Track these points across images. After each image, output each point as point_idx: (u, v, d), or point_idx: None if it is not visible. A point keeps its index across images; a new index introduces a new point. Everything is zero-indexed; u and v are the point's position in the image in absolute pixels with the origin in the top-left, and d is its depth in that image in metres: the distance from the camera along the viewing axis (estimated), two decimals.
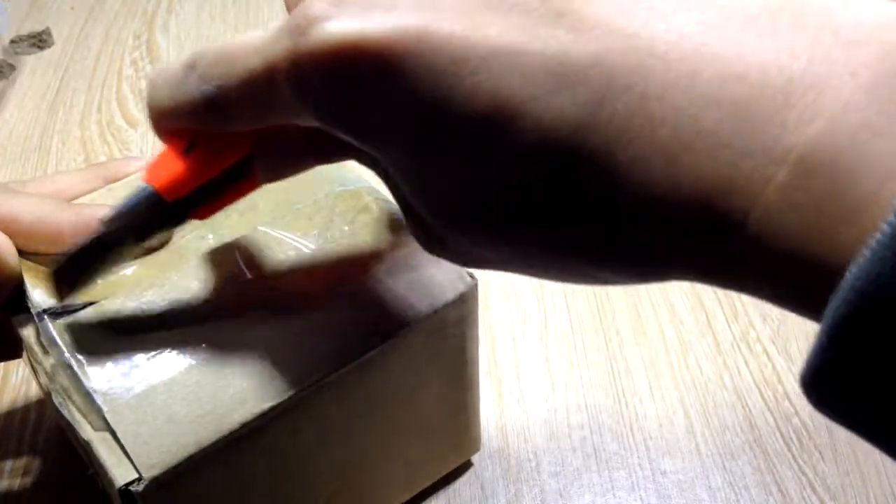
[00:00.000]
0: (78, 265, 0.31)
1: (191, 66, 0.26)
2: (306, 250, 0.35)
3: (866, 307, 0.15)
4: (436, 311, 0.34)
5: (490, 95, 0.20)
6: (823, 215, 0.17)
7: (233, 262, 0.35)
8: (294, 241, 0.36)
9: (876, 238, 0.15)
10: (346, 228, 0.36)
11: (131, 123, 0.63)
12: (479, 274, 0.52)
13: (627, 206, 0.20)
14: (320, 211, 0.37)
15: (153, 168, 0.29)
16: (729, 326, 0.50)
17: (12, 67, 0.68)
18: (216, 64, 0.25)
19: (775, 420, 0.46)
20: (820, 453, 0.44)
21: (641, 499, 0.43)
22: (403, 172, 0.23)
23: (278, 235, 0.36)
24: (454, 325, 0.35)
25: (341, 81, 0.22)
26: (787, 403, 0.46)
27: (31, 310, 0.33)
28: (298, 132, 0.28)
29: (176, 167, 0.28)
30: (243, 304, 0.33)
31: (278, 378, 0.31)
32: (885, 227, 0.15)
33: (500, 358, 0.49)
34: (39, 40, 0.70)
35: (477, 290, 0.35)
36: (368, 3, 0.21)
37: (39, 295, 0.33)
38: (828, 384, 0.17)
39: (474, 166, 0.21)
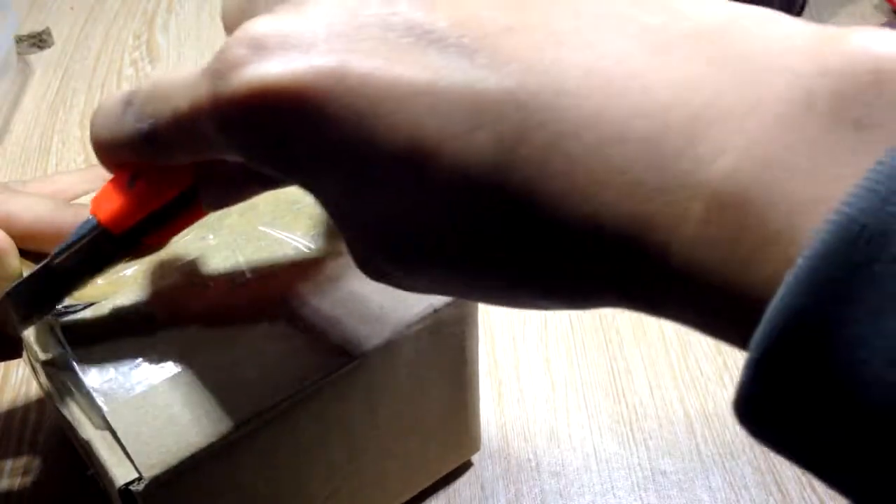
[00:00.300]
0: (30, 293, 0.32)
1: (128, 103, 0.26)
2: (306, 250, 0.35)
3: (785, 340, 0.16)
4: (436, 311, 0.34)
5: (408, 134, 0.20)
6: (739, 249, 0.17)
7: (235, 261, 0.35)
8: (294, 241, 0.36)
9: (790, 273, 0.15)
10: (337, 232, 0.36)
11: None
12: None
13: (550, 242, 0.20)
14: (301, 218, 0.37)
15: (98, 200, 0.29)
16: None
17: (26, 64, 0.68)
18: (149, 101, 0.25)
19: None
20: None
21: (641, 499, 0.43)
22: (332, 208, 0.23)
23: (278, 235, 0.36)
24: (454, 325, 0.35)
25: (261, 124, 0.22)
26: None
27: None
28: (237, 163, 0.27)
29: (119, 200, 0.29)
30: (244, 304, 0.33)
31: (278, 377, 0.31)
32: (799, 261, 0.15)
33: (500, 358, 0.49)
34: (39, 40, 0.70)
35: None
36: (286, 44, 0.21)
37: None
38: (755, 412, 0.17)
39: (398, 204, 0.21)
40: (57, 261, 0.30)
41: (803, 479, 0.43)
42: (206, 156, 0.25)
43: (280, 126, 0.21)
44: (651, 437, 0.45)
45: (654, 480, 0.43)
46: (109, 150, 0.28)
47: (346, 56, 0.21)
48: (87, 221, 0.29)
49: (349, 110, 0.20)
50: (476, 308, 0.36)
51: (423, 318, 0.33)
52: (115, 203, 0.29)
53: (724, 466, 0.44)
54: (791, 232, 0.16)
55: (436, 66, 0.20)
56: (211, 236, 0.36)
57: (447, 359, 0.37)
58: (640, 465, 0.44)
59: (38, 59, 0.69)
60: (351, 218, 0.23)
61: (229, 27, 0.25)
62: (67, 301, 0.33)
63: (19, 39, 0.69)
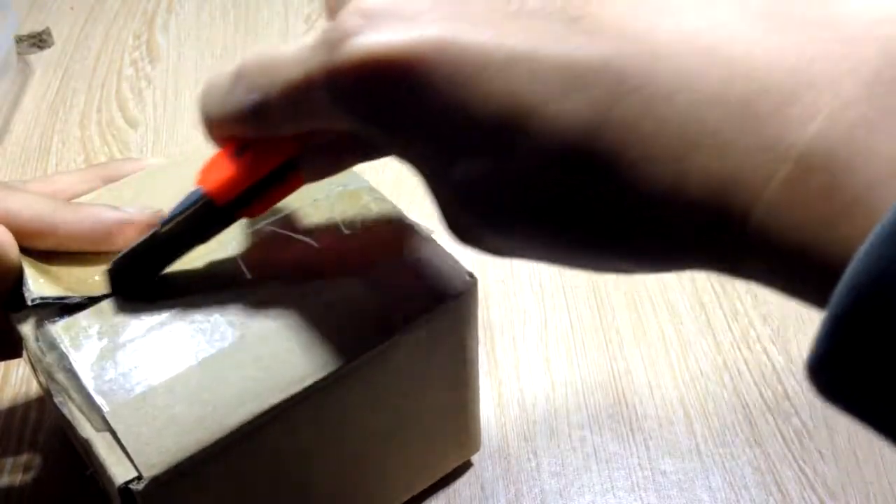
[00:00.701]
0: (132, 265, 0.33)
1: (237, 76, 0.28)
2: (307, 250, 0.35)
3: (863, 300, 0.16)
4: (435, 311, 0.34)
5: (508, 100, 0.21)
6: (824, 210, 0.18)
7: (234, 261, 0.35)
8: (295, 239, 0.36)
9: (872, 234, 0.16)
10: (346, 229, 0.36)
11: (131, 123, 0.63)
12: (479, 274, 0.52)
13: (639, 204, 0.21)
14: (320, 211, 0.37)
15: (206, 172, 0.31)
16: (729, 326, 0.50)
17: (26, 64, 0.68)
18: (260, 74, 0.27)
19: (775, 420, 0.46)
20: (820, 453, 0.44)
21: (641, 499, 0.43)
22: (432, 172, 0.25)
23: (279, 234, 0.36)
24: (454, 324, 0.35)
25: (371, 91, 0.23)
26: (787, 403, 0.46)
27: (27, 298, 0.33)
28: (340, 133, 0.29)
29: (227, 171, 0.30)
30: (243, 305, 0.33)
31: (278, 378, 0.31)
32: (877, 227, 0.16)
33: (500, 358, 0.49)
34: (39, 40, 0.70)
35: (477, 290, 0.35)
36: (395, 14, 0.23)
37: (37, 285, 0.33)
38: (829, 373, 0.17)
39: (492, 168, 0.22)
40: (163, 230, 0.32)
41: (803, 479, 0.43)
42: (313, 125, 0.27)
43: (388, 93, 0.23)
44: (651, 437, 0.45)
45: (654, 480, 0.43)
46: (218, 124, 0.29)
47: (450, 25, 0.22)
48: (194, 192, 0.31)
49: (453, 77, 0.22)
50: (476, 308, 0.36)
51: (424, 319, 0.33)
52: (220, 174, 0.30)
53: (724, 466, 0.44)
54: (877, 194, 0.17)
55: (537, 34, 0.21)
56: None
57: (447, 359, 0.37)
58: (640, 465, 0.44)
59: (38, 59, 0.69)
60: (446, 182, 0.24)
61: (332, 7, 0.26)
62: (62, 293, 0.33)
63: (19, 39, 0.69)
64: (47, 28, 0.70)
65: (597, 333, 0.50)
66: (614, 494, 0.43)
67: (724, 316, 0.50)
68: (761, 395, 0.47)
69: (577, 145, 0.21)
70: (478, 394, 0.40)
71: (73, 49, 0.70)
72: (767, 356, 0.49)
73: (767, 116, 0.19)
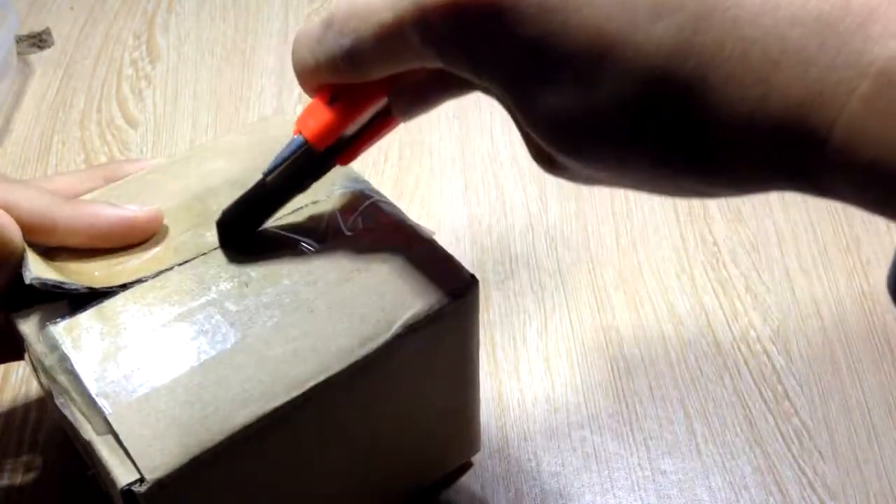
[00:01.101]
0: (239, 217, 0.35)
1: (327, 24, 0.29)
2: (309, 250, 0.35)
3: None
4: (437, 312, 0.34)
5: (595, 28, 0.22)
6: None
7: (236, 261, 0.35)
8: (298, 240, 0.36)
9: None
10: (347, 230, 0.36)
11: (131, 123, 0.63)
12: (479, 274, 0.52)
13: (723, 124, 0.21)
14: (321, 212, 0.37)
15: (302, 120, 0.32)
16: (729, 326, 0.50)
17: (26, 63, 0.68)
18: (351, 18, 0.28)
19: (775, 420, 0.46)
20: (820, 453, 0.44)
21: (641, 499, 0.43)
22: (518, 103, 0.26)
23: (281, 235, 0.36)
24: (454, 324, 0.35)
25: (460, 25, 0.25)
26: (787, 403, 0.47)
27: (26, 278, 0.33)
28: (427, 73, 0.31)
29: (323, 117, 0.32)
30: (245, 306, 0.33)
31: (280, 380, 0.31)
32: None
33: (499, 358, 0.49)
34: (39, 40, 0.70)
35: (477, 289, 0.35)
36: None
37: (37, 268, 0.33)
38: None
39: (582, 94, 0.23)
40: (268, 179, 0.34)
41: (803, 479, 0.43)
42: (404, 66, 0.28)
43: (477, 28, 0.24)
44: (651, 437, 0.45)
45: (654, 480, 0.43)
46: (312, 72, 0.31)
47: None
48: (294, 140, 0.33)
49: (541, 10, 0.23)
50: (476, 308, 0.36)
51: (424, 319, 0.34)
52: (318, 121, 0.32)
53: (724, 466, 0.44)
54: None
55: None
56: (209, 234, 0.36)
57: (447, 359, 0.37)
58: (640, 465, 0.44)
59: (38, 59, 0.69)
60: (535, 113, 0.25)
61: None
62: (62, 279, 0.33)
63: (19, 39, 0.69)
64: (47, 28, 0.70)
65: (597, 333, 0.50)
66: (614, 494, 0.43)
67: (724, 316, 0.51)
68: (761, 395, 0.47)
69: (663, 70, 0.22)
70: (478, 395, 0.40)
71: (73, 49, 0.70)
72: (767, 356, 0.49)
73: (849, 34, 0.19)
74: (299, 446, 0.33)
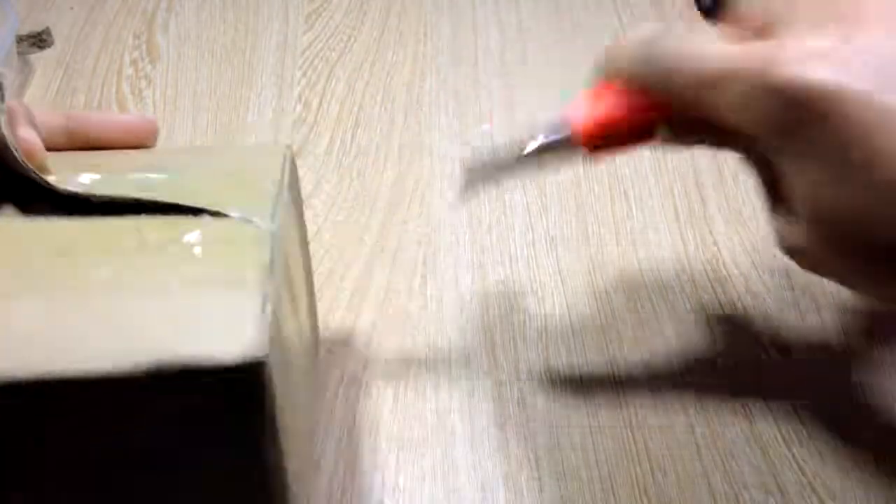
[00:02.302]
0: (485, 174, 0.40)
1: (650, 46, 0.33)
2: (259, 227, 0.33)
3: None
4: (180, 369, 0.27)
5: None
6: None
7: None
8: (238, 216, 0.33)
9: None
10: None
11: None
12: (479, 274, 0.52)
13: None
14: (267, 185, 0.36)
15: (576, 108, 0.35)
16: (729, 326, 0.50)
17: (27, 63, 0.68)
18: (673, 54, 0.32)
19: (775, 420, 0.46)
20: (820, 453, 0.44)
21: (641, 499, 0.43)
22: (806, 192, 0.28)
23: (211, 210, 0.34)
24: (225, 409, 0.28)
25: (789, 112, 0.28)
26: (786, 403, 0.46)
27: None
28: (705, 118, 0.32)
29: (600, 113, 0.35)
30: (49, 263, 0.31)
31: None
32: None
33: (499, 358, 0.49)
34: (39, 40, 0.70)
35: (266, 370, 0.27)
36: (831, 59, 0.27)
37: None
38: None
39: (871, 204, 0.26)
40: (527, 153, 0.37)
41: (803, 479, 0.43)
42: (701, 111, 0.31)
43: (804, 119, 0.27)
44: (651, 438, 0.45)
45: (654, 480, 0.43)
46: (615, 74, 0.35)
47: (869, 82, 0.27)
48: (563, 123, 0.36)
49: (861, 123, 0.26)
50: (269, 399, 0.28)
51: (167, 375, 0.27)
52: (591, 121, 0.35)
53: (724, 466, 0.44)
54: None
55: None
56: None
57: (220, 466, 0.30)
58: (640, 465, 0.44)
59: (38, 58, 0.69)
60: (818, 208, 0.28)
61: (752, 21, 0.31)
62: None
63: (19, 39, 0.69)
64: (47, 28, 0.70)
65: (597, 334, 0.50)
66: (614, 494, 0.43)
67: (725, 316, 0.50)
68: (761, 394, 0.47)
69: None
70: None
71: (73, 49, 0.70)
72: (767, 356, 0.49)
73: None
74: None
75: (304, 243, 0.42)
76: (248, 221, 0.33)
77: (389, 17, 0.71)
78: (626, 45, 0.34)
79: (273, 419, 0.28)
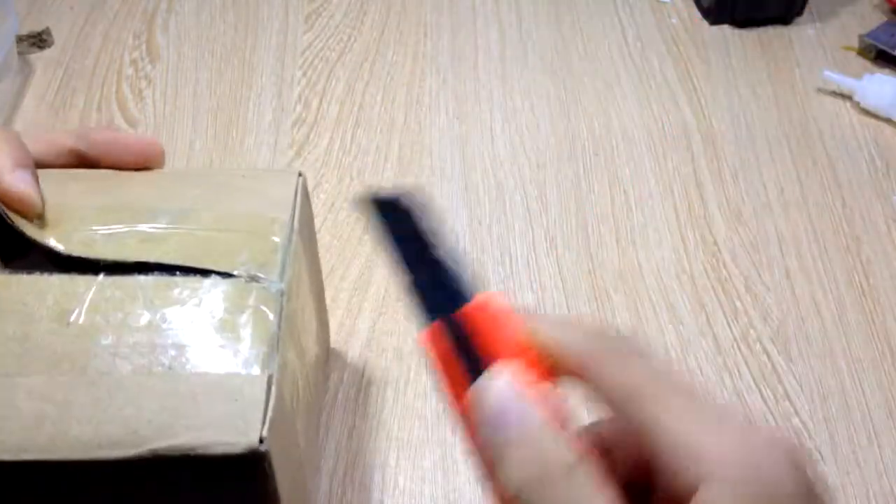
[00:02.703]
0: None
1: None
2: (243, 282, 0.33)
3: None
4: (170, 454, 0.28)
5: None
6: None
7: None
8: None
9: None
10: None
11: (131, 123, 0.63)
12: (479, 269, 0.52)
13: None
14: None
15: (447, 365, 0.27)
16: (729, 326, 0.50)
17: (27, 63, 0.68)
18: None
19: (775, 420, 0.46)
20: (820, 453, 0.44)
21: None
22: None
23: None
24: (226, 492, 0.30)
25: None
26: (786, 403, 0.46)
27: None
28: None
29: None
30: (60, 336, 0.31)
31: None
32: None
33: None
34: (39, 40, 0.70)
35: (267, 458, 0.28)
36: None
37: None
38: None
39: None
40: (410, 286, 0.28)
41: None
42: None
43: None
44: None
45: None
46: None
47: None
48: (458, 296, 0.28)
49: None
50: (270, 487, 0.30)
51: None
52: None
53: None
54: None
55: None
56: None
57: None
58: None
59: (38, 58, 0.69)
60: None
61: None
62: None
63: (19, 39, 0.69)
64: (47, 28, 0.70)
65: None
66: None
67: (724, 316, 0.50)
68: (761, 395, 0.47)
69: None
70: None
71: (73, 49, 0.70)
72: (767, 356, 0.49)
73: None
74: None
75: (315, 267, 0.41)
76: (256, 280, 0.33)
77: (389, 17, 0.71)
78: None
79: (274, 497, 0.30)
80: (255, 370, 0.30)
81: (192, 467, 0.28)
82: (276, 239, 0.34)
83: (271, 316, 0.32)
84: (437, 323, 0.27)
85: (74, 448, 0.28)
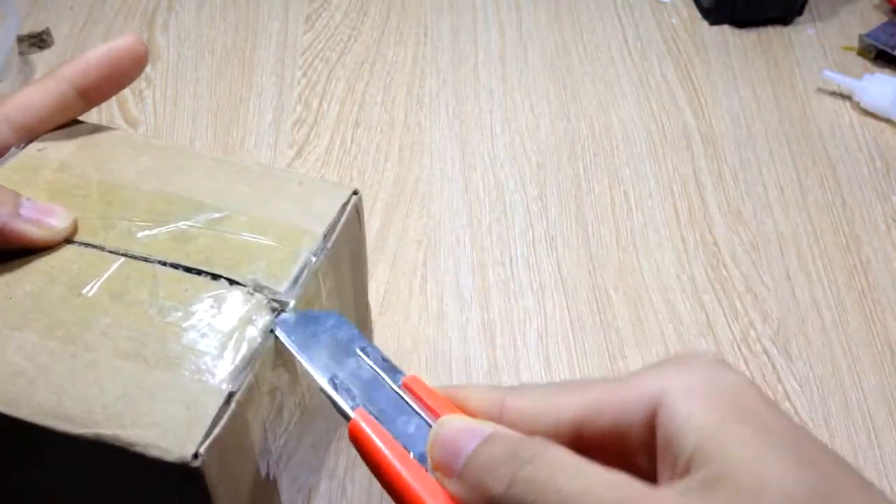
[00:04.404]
0: None
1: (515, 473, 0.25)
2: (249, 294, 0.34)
3: None
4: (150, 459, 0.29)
5: None
6: None
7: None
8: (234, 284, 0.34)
9: None
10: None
11: (131, 123, 0.63)
12: (480, 274, 0.52)
13: None
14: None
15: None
16: (729, 326, 0.50)
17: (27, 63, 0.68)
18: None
19: None
20: None
21: None
22: None
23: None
24: (169, 490, 0.30)
25: None
26: (787, 403, 0.46)
27: None
28: None
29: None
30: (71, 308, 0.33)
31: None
32: None
33: (499, 358, 0.49)
34: (39, 40, 0.70)
35: (203, 474, 0.29)
36: None
37: None
38: None
39: None
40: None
41: None
42: None
43: None
44: None
45: None
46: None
47: None
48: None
49: None
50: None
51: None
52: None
53: None
54: None
55: None
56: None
57: None
58: None
59: (38, 58, 0.69)
60: None
61: None
62: None
63: (19, 39, 0.69)
64: (47, 28, 0.70)
65: (597, 334, 0.50)
66: None
67: (724, 316, 0.50)
68: None
69: None
70: None
71: (73, 49, 0.70)
72: (767, 356, 0.49)
73: None
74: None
75: (359, 286, 0.40)
76: (260, 291, 0.33)
77: (389, 17, 0.71)
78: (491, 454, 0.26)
79: None
80: (221, 383, 0.30)
81: (132, 461, 0.29)
82: (299, 251, 0.34)
83: (256, 332, 0.32)
84: (359, 410, 0.29)
85: (34, 412, 0.30)
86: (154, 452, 0.28)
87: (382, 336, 0.50)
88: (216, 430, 0.29)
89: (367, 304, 0.42)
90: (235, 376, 0.30)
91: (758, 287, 0.52)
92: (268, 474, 0.34)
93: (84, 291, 0.33)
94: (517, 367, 0.48)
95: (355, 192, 0.38)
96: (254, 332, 0.32)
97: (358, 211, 0.38)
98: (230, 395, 0.30)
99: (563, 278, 0.53)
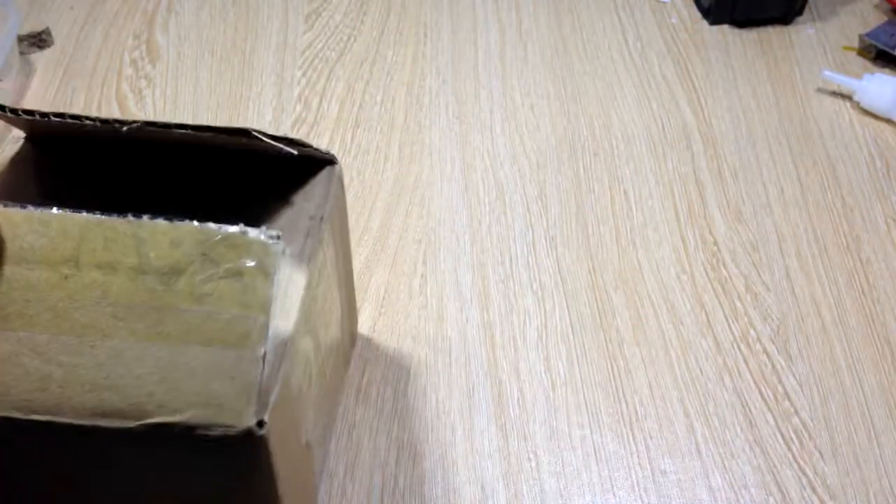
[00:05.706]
0: None
1: None
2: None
3: None
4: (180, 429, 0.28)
5: None
6: None
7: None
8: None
9: None
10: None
11: None
12: (480, 274, 0.52)
13: None
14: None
15: None
16: (729, 326, 0.50)
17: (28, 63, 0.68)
18: None
19: (775, 420, 0.46)
20: (820, 453, 0.44)
21: (641, 499, 0.43)
22: None
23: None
24: (225, 469, 0.30)
25: None
26: (787, 403, 0.46)
27: None
28: None
29: None
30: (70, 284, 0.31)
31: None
32: None
33: (499, 358, 0.49)
34: (39, 40, 0.70)
35: (264, 442, 0.28)
36: None
37: None
38: None
39: None
40: None
41: (803, 479, 0.43)
42: None
43: None
44: (651, 437, 0.45)
45: (654, 480, 0.43)
46: None
47: None
48: None
49: None
50: (266, 468, 0.30)
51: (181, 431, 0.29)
52: None
53: (724, 466, 0.44)
54: None
55: None
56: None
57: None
58: (640, 465, 0.44)
59: (38, 58, 0.69)
60: None
61: None
62: None
63: (19, 39, 0.69)
64: (47, 28, 0.70)
65: (597, 333, 0.50)
66: (614, 494, 0.43)
67: (724, 316, 0.50)
68: (761, 395, 0.47)
69: None
70: None
71: (73, 49, 0.70)
72: (767, 356, 0.49)
73: None
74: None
75: (345, 255, 0.40)
76: (276, 240, 0.31)
77: (389, 17, 0.71)
78: None
79: (272, 480, 0.29)
80: (255, 347, 0.29)
81: (188, 445, 0.28)
82: (304, 217, 0.34)
83: (267, 279, 0.30)
84: None
85: (78, 413, 0.28)
86: (217, 432, 0.27)
87: (382, 336, 0.50)
88: (272, 397, 0.28)
89: (349, 259, 0.42)
90: (267, 338, 0.29)
91: (758, 287, 0.52)
92: (306, 442, 0.34)
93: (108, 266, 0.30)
94: (517, 367, 0.48)
95: (335, 163, 0.37)
96: (265, 278, 0.30)
97: (341, 183, 0.38)
98: (265, 357, 0.28)
99: (563, 278, 0.53)
